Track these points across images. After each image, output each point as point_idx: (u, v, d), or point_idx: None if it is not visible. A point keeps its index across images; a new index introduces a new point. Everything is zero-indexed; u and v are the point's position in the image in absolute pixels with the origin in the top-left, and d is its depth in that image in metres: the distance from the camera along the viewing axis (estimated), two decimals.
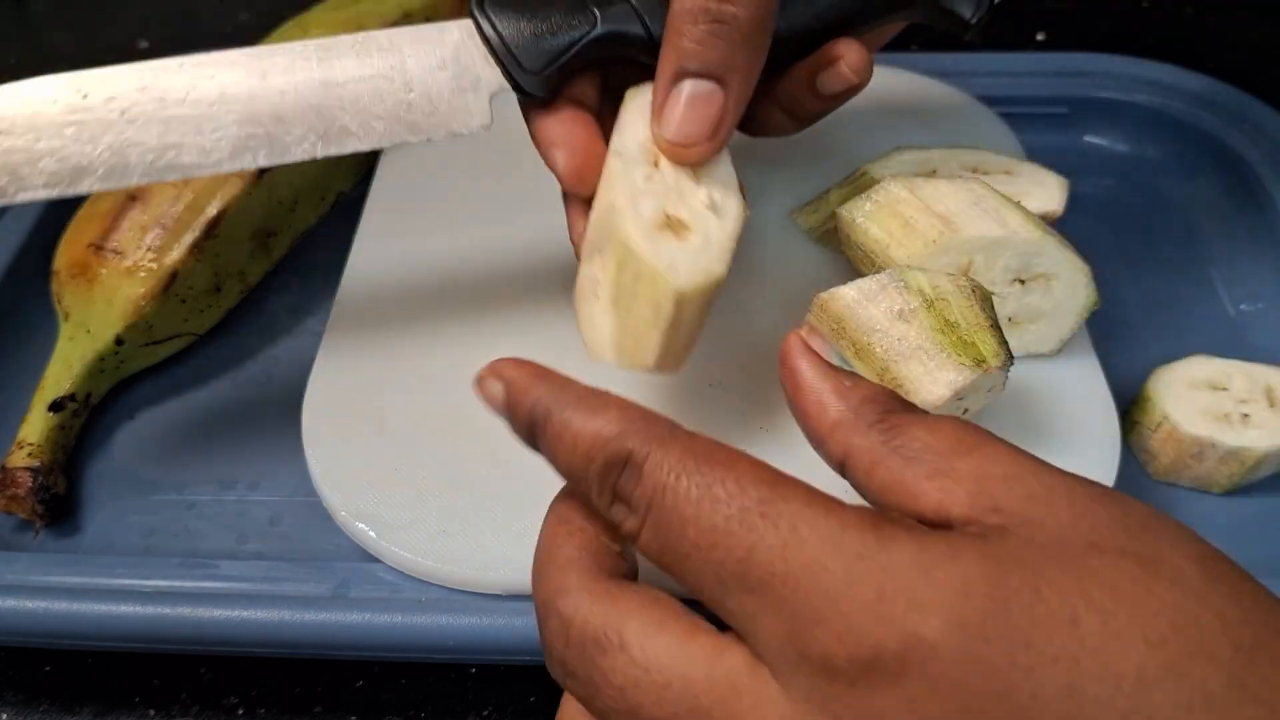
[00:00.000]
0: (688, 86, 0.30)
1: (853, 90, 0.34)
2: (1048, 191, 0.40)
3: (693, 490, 0.22)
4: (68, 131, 0.31)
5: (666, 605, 0.23)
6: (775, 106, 0.35)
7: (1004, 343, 0.32)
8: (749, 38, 0.30)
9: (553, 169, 0.33)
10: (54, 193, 0.31)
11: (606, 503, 0.24)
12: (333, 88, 0.32)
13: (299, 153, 0.32)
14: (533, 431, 0.25)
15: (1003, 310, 0.35)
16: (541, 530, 0.26)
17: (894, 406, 0.25)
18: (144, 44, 0.64)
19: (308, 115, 0.32)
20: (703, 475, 0.22)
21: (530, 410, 0.25)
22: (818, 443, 0.26)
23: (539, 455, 0.26)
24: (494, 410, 0.26)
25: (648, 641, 0.22)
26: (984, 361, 0.31)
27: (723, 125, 0.30)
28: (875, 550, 0.21)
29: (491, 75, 0.33)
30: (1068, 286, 0.36)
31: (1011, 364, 0.32)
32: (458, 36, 0.33)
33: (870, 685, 0.20)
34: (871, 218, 0.37)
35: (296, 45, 0.33)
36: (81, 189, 0.31)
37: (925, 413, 0.25)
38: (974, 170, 0.41)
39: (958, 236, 0.35)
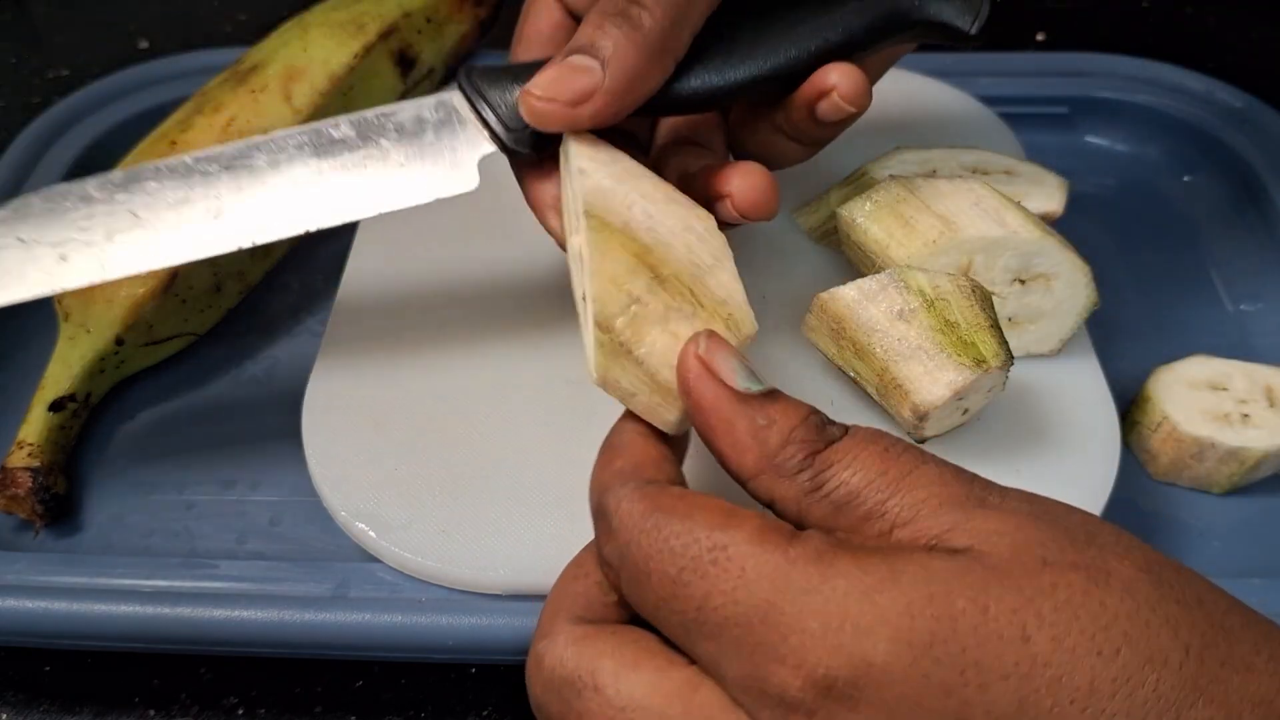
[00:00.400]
0: (569, 57, 0.30)
1: (853, 117, 0.33)
2: (1047, 191, 0.40)
3: (650, 546, 0.23)
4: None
5: (643, 643, 0.23)
6: (782, 136, 0.34)
7: (1004, 343, 0.32)
8: (647, 41, 0.30)
9: (550, 232, 0.33)
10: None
11: (598, 550, 0.25)
12: (323, 170, 0.33)
13: (295, 228, 0.33)
14: None
15: (1003, 310, 0.35)
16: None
17: (815, 445, 0.24)
18: (144, 44, 0.64)
19: (301, 195, 0.33)
20: (659, 530, 0.23)
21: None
22: (740, 482, 0.26)
23: None
24: None
25: (622, 681, 0.23)
26: (984, 361, 0.31)
27: (587, 101, 0.30)
28: (819, 582, 0.21)
29: (478, 139, 0.33)
30: (1068, 286, 0.36)
31: (1011, 364, 0.32)
32: (445, 106, 0.34)
33: (829, 714, 0.20)
34: (871, 217, 0.37)
35: (287, 137, 0.33)
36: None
37: (846, 435, 0.25)
38: (974, 170, 0.41)
39: (958, 236, 0.35)
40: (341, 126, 0.33)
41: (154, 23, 0.66)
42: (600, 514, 0.25)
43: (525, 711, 0.34)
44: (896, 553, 0.22)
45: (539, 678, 0.24)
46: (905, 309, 0.32)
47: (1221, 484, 0.38)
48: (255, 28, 0.64)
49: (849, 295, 0.33)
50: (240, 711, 0.34)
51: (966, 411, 0.33)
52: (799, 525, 0.24)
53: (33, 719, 0.34)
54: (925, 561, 0.21)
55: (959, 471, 0.24)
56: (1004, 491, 0.23)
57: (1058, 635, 0.20)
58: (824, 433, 0.25)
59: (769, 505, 0.25)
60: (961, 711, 0.20)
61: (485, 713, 0.34)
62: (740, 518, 0.23)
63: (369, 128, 0.33)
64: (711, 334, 0.26)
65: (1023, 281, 0.36)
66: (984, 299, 0.33)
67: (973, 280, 0.33)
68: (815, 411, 0.25)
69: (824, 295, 0.33)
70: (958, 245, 0.35)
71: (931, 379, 0.31)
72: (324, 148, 0.33)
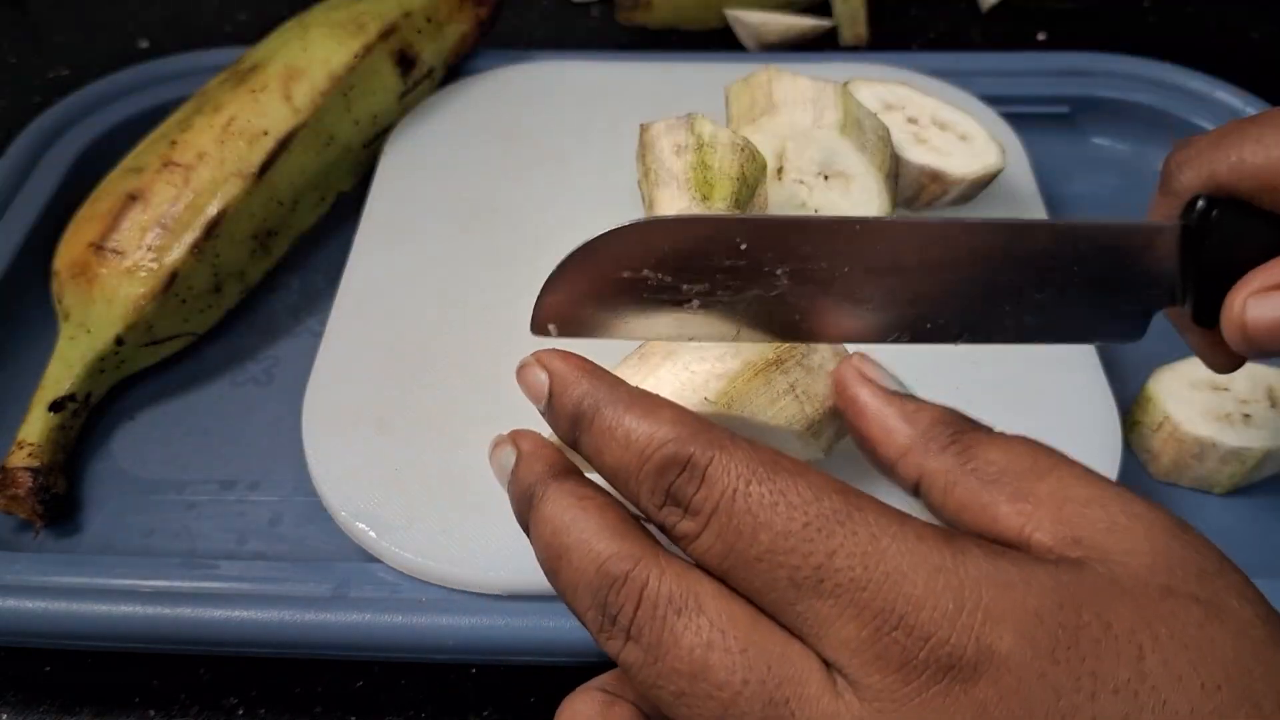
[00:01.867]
0: None
1: None
2: (974, 150, 0.42)
3: (765, 495, 0.22)
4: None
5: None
6: None
7: (741, 199, 0.34)
8: None
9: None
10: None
11: (658, 504, 0.24)
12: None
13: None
14: (576, 426, 0.25)
15: (810, 200, 0.38)
16: (554, 515, 0.24)
17: (964, 427, 0.26)
18: (144, 44, 0.64)
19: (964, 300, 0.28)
20: (774, 482, 0.23)
21: (577, 404, 0.25)
22: (888, 468, 0.27)
23: (577, 452, 0.26)
24: (535, 400, 0.26)
25: (723, 607, 0.22)
26: (709, 200, 0.34)
27: None
28: (953, 564, 0.22)
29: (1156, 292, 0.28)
30: (863, 191, 0.38)
31: (741, 210, 0.34)
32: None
33: (946, 689, 0.21)
34: (736, 93, 0.41)
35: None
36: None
37: (993, 430, 0.26)
38: (916, 120, 0.43)
39: (774, 120, 0.38)
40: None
41: (154, 23, 0.66)
42: (680, 464, 0.23)
43: (525, 712, 0.34)
44: (1026, 559, 0.22)
45: (637, 596, 0.23)
46: (683, 145, 0.35)
47: (1223, 484, 0.38)
48: (255, 28, 0.64)
49: (658, 127, 0.36)
50: (240, 712, 0.34)
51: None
52: (939, 511, 0.25)
53: (32, 719, 0.34)
54: (1055, 572, 0.22)
55: (1102, 477, 0.24)
56: (1148, 505, 0.24)
57: (1168, 660, 0.21)
58: (972, 421, 0.26)
59: (914, 489, 0.26)
60: (1069, 713, 0.21)
61: (485, 713, 0.34)
62: (859, 492, 0.23)
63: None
64: (864, 355, 0.28)
65: (826, 177, 0.38)
66: (749, 158, 0.35)
67: (750, 143, 0.36)
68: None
69: (644, 123, 0.37)
70: (773, 128, 0.38)
71: (670, 205, 0.34)
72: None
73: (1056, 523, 0.23)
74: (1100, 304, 0.28)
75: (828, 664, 0.22)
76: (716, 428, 0.24)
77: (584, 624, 0.24)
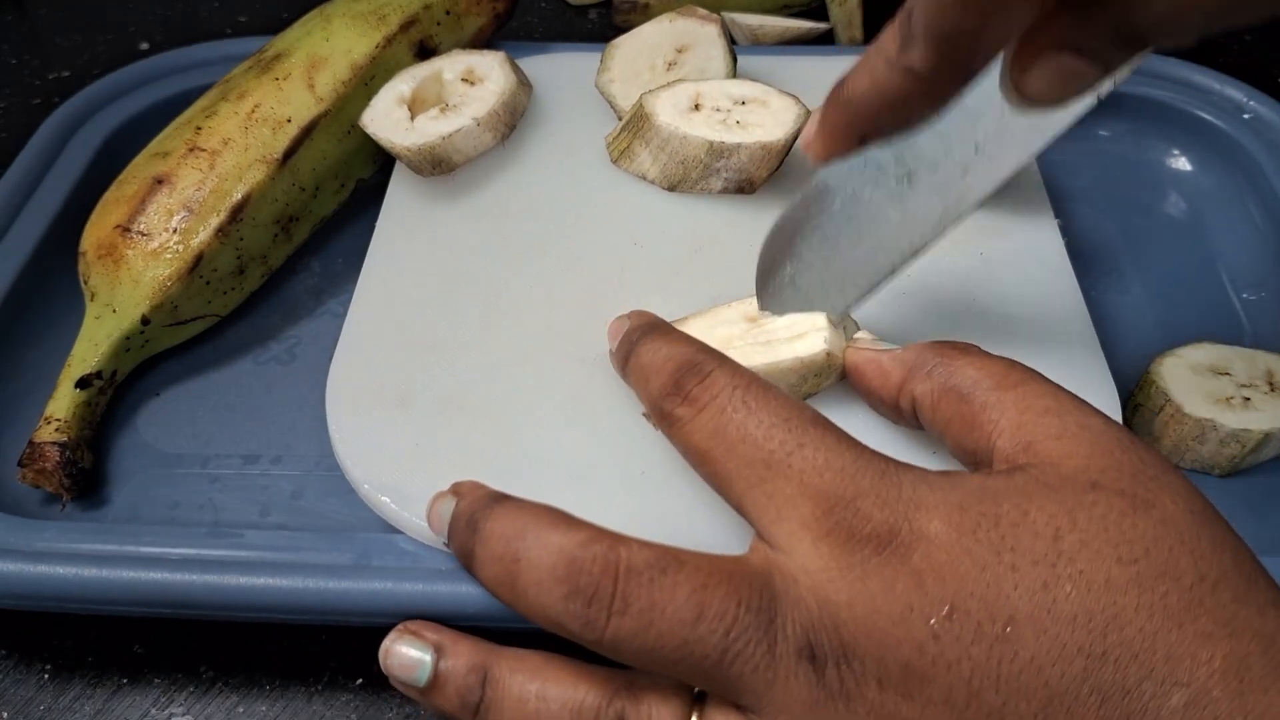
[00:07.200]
0: None
1: None
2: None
3: (757, 396, 0.27)
4: None
5: None
6: None
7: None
8: None
9: None
10: None
11: (665, 393, 0.29)
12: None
13: None
14: (631, 342, 0.32)
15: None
16: (503, 526, 0.28)
17: (948, 353, 0.29)
18: (144, 45, 0.65)
19: None
20: (764, 391, 0.27)
21: (627, 336, 0.32)
22: (891, 406, 0.31)
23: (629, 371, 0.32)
24: (610, 339, 0.34)
25: (693, 555, 0.25)
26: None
27: None
28: (893, 471, 0.26)
29: None
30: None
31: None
32: None
33: (886, 559, 0.24)
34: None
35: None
36: None
37: (974, 350, 0.29)
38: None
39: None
40: None
41: (155, 25, 0.66)
42: (692, 366, 0.28)
43: None
44: (959, 474, 0.26)
45: (614, 570, 0.25)
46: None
47: (1223, 466, 0.38)
48: (256, 30, 0.65)
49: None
50: (240, 710, 0.35)
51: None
52: (932, 429, 0.30)
53: (33, 718, 0.35)
54: (983, 479, 0.25)
55: (1067, 393, 0.27)
56: (1105, 420, 0.26)
57: (1085, 539, 0.23)
58: (954, 344, 0.30)
59: (912, 416, 0.30)
60: (994, 582, 0.23)
61: None
62: (832, 422, 0.27)
63: None
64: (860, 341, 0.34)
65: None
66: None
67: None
68: None
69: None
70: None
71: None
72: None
73: (1015, 428, 0.26)
74: None
75: (773, 549, 0.26)
76: (728, 357, 0.29)
77: (551, 623, 0.26)
